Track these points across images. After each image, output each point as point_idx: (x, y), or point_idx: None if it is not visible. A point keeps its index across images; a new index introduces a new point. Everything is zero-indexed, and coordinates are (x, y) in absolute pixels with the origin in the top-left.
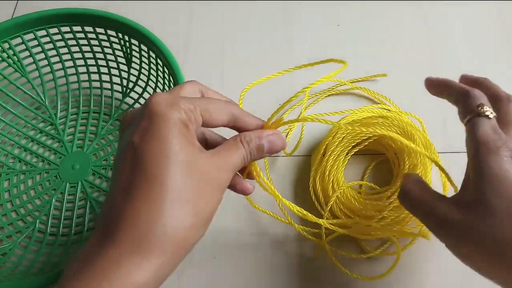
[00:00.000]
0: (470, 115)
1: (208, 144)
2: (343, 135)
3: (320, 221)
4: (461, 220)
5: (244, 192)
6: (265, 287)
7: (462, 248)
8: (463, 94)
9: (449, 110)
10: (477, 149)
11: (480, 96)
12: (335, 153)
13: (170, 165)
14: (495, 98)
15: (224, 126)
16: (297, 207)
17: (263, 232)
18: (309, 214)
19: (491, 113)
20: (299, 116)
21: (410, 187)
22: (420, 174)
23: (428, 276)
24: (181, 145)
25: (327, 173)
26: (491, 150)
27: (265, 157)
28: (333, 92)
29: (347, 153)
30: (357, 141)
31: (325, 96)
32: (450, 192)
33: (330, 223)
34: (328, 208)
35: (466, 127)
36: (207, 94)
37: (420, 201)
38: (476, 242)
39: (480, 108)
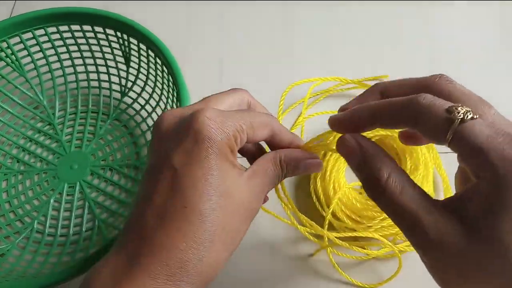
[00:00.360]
0: (451, 128)
1: None
2: None
3: (326, 234)
4: (460, 248)
5: None
6: (264, 282)
7: (452, 279)
8: (417, 107)
9: None
10: (495, 172)
11: (435, 96)
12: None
13: (212, 196)
14: (426, 89)
15: (262, 141)
16: (309, 220)
17: (264, 229)
18: (319, 228)
19: (470, 110)
20: (299, 115)
21: (394, 186)
22: (422, 176)
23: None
24: (224, 174)
25: (328, 173)
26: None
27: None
28: (334, 91)
29: None
30: None
31: (326, 96)
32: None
33: (335, 237)
34: (330, 211)
35: (452, 146)
36: (254, 106)
37: (401, 206)
38: (478, 281)
39: (455, 112)
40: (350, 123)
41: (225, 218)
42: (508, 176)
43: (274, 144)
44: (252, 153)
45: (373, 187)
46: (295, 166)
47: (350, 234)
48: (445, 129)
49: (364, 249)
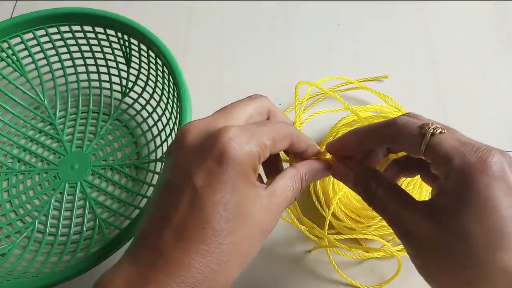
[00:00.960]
0: (423, 141)
1: None
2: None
3: (327, 237)
4: (434, 240)
5: None
6: (262, 282)
7: (429, 267)
8: (395, 126)
9: (449, 109)
10: (458, 174)
11: (411, 118)
12: None
13: (230, 218)
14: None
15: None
16: (311, 223)
17: None
18: (318, 229)
19: (439, 126)
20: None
21: (381, 192)
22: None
23: None
24: (245, 197)
25: None
26: (477, 168)
27: None
28: (335, 91)
29: None
30: None
31: (325, 97)
32: None
33: (335, 239)
34: (330, 212)
35: (426, 156)
36: (274, 115)
37: (387, 207)
38: (451, 269)
39: (426, 128)
40: (343, 146)
41: (242, 239)
42: (469, 177)
43: (291, 151)
44: (267, 160)
45: (367, 195)
46: (313, 178)
47: (349, 236)
48: (419, 142)
49: (367, 252)
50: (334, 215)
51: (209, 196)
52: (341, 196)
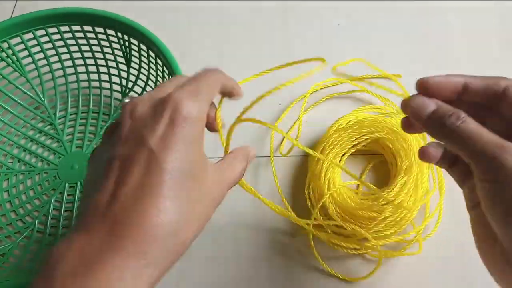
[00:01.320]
0: None
1: None
2: (341, 136)
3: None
4: None
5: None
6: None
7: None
8: (508, 81)
9: None
10: None
11: None
12: (332, 153)
13: (185, 180)
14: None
15: None
16: (281, 208)
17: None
18: (293, 215)
19: None
20: (299, 116)
21: (471, 120)
22: (416, 175)
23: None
24: (198, 161)
25: (324, 174)
26: None
27: None
28: (335, 93)
29: (344, 154)
30: (354, 142)
31: (325, 99)
32: (447, 196)
33: (320, 223)
34: (319, 205)
35: None
36: (226, 87)
37: (485, 133)
38: None
39: None
40: (444, 83)
41: (197, 200)
42: None
43: (222, 92)
44: None
45: (452, 120)
46: (251, 159)
47: (334, 222)
48: None
49: (347, 239)
50: (327, 215)
51: (166, 155)
52: (336, 195)
